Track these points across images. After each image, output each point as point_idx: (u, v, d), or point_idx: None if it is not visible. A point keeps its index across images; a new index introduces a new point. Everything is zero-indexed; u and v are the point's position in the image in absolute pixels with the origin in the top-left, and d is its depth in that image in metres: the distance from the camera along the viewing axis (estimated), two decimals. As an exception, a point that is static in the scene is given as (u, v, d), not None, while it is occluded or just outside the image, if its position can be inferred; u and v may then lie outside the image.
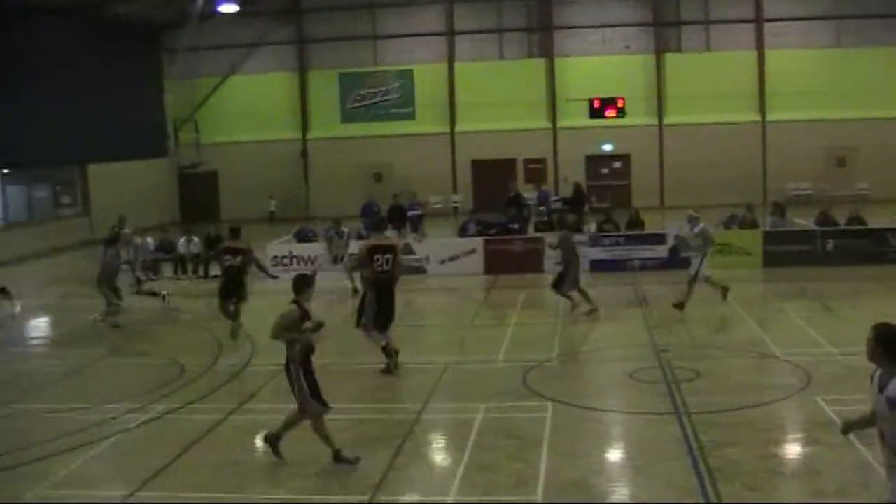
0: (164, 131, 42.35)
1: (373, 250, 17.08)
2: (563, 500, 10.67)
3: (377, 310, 16.97)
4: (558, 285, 21.55)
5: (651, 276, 26.13)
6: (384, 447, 12.55)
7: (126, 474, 12.12)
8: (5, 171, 40.72)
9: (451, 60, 47.98)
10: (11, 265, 35.10)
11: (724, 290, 21.62)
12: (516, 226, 30.09)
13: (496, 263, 27.61)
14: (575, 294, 21.30)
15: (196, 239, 29.88)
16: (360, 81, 48.99)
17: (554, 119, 47.20)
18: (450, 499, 10.80)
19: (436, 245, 28.94)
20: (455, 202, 47.15)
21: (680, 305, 20.90)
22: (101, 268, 22.35)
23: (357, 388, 15.91)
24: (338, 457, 11.95)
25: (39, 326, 23.13)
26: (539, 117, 47.27)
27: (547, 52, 47.37)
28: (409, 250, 28.29)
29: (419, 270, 27.84)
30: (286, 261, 28.97)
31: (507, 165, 46.41)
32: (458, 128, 47.95)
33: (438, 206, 46.13)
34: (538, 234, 28.84)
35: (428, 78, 48.27)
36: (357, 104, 49.18)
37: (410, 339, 20.12)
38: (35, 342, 22.32)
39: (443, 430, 13.62)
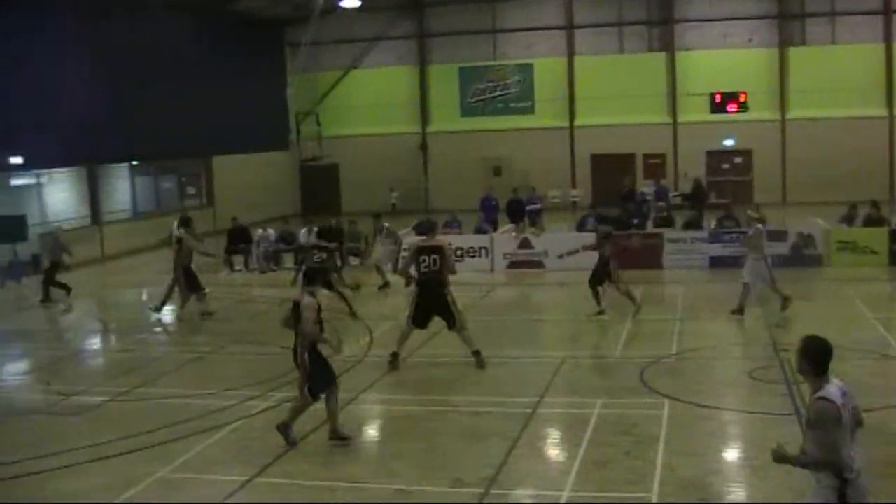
0: (287, 124, 43.04)
1: (420, 251, 17.19)
2: (679, 499, 10.57)
3: (415, 307, 17.07)
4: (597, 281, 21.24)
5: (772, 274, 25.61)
6: (499, 440, 12.58)
7: (245, 459, 12.40)
8: (133, 163, 41.86)
9: (570, 54, 47.73)
10: (140, 254, 36.17)
11: (786, 301, 20.41)
12: (636, 221, 29.83)
13: (615, 258, 27.32)
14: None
15: (317, 230, 30.27)
16: (479, 75, 49.07)
17: (674, 113, 46.59)
18: (564, 494, 10.77)
19: (554, 239, 28.83)
20: (574, 196, 46.93)
21: (740, 311, 20.21)
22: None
23: (474, 381, 15.97)
24: (285, 427, 12.73)
25: (165, 314, 23.71)
26: (659, 112, 46.71)
27: (668, 45, 46.78)
28: (527, 244, 28.29)
29: (537, 265, 27.79)
30: (404, 253, 29.12)
31: (626, 160, 46.00)
32: (577, 122, 47.68)
33: (557, 200, 45.98)
34: (657, 230, 28.54)
35: (547, 72, 48.10)
36: (476, 98, 49.27)
37: (527, 332, 20.18)
38: (160, 330, 22.92)
39: (558, 425, 13.60)
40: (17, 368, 19.23)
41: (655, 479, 10.99)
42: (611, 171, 44.86)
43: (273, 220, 37.55)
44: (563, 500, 10.64)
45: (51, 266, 26.34)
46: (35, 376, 18.13)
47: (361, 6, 45.83)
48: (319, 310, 12.70)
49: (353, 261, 29.99)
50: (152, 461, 12.42)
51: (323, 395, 12.82)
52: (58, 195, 36.72)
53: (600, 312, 20.75)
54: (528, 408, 14.08)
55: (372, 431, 13.98)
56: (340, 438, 12.72)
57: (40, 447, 13.22)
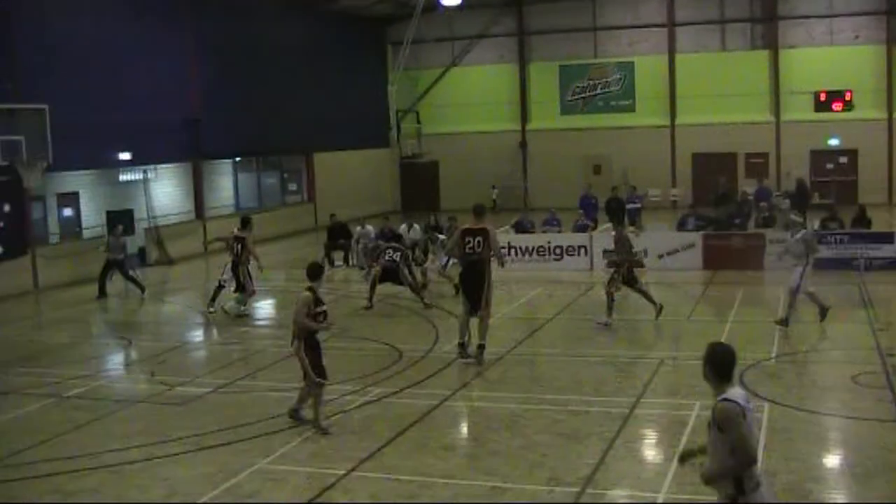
0: (388, 122, 43.46)
1: (465, 233, 17.43)
2: (779, 504, 10.44)
3: (461, 293, 17.77)
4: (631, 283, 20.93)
5: (877, 277, 25.09)
6: (596, 440, 12.56)
7: (343, 453, 12.57)
8: (237, 159, 42.58)
9: (671, 52, 47.22)
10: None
11: (824, 310, 19.52)
12: (737, 221, 29.44)
13: (715, 259, 27.06)
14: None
15: (417, 226, 30.47)
16: (580, 73, 48.84)
17: (777, 112, 45.76)
18: (660, 496, 10.72)
19: (654, 239, 28.59)
20: (674, 196, 46.42)
21: (783, 322, 19.26)
22: None
23: (572, 380, 15.95)
24: (295, 413, 13.81)
25: (266, 308, 24.09)
26: (762, 110, 45.94)
27: (771, 43, 45.95)
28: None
29: (637, 264, 27.54)
30: (503, 251, 29.13)
31: (727, 159, 45.40)
32: (678, 120, 47.16)
33: (657, 199, 45.52)
34: (758, 231, 28.14)
35: (648, 70, 47.66)
36: (576, 96, 49.06)
37: (626, 332, 20.06)
38: (262, 323, 23.29)
39: (656, 426, 13.51)
40: (122, 359, 19.73)
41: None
42: (712, 170, 44.33)
43: (373, 216, 37.85)
44: (659, 502, 10.59)
45: (107, 263, 27.11)
46: (140, 367, 18.59)
47: (463, 4, 46.01)
48: (315, 303, 13.35)
49: (453, 259, 30.02)
50: (252, 452, 12.68)
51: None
52: (163, 190, 37.51)
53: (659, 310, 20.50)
54: (626, 408, 14.02)
55: (469, 428, 14.05)
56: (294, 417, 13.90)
57: (148, 435, 13.61)
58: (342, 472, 11.82)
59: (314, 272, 13.73)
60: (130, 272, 27.28)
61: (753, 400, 14.00)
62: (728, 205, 31.38)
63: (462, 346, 17.35)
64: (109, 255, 27.07)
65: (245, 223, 23.46)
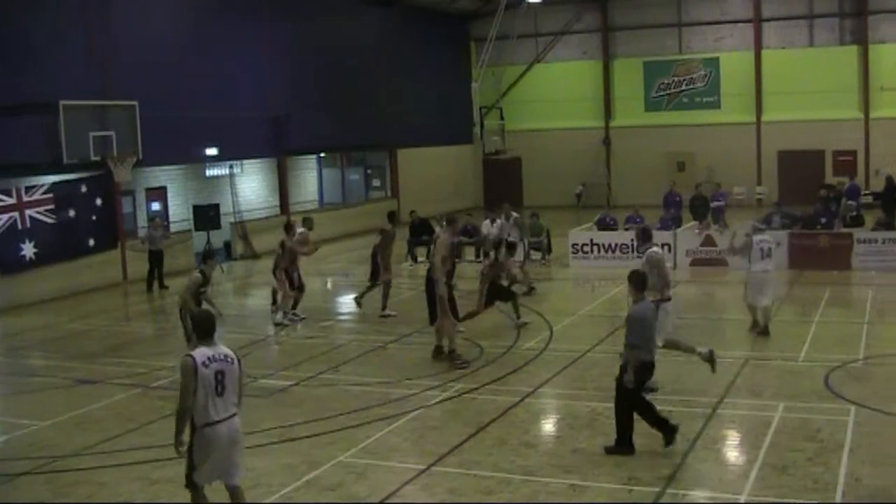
0: (471, 118, 43.49)
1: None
2: (864, 508, 10.29)
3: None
4: None
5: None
6: (677, 440, 12.46)
7: (423, 447, 12.68)
8: (321, 154, 42.97)
9: (757, 48, 46.54)
10: (326, 244, 37.07)
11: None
12: (823, 220, 28.95)
13: (801, 258, 26.63)
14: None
15: (500, 222, 30.43)
16: (664, 70, 48.39)
17: (866, 109, 44.83)
18: (742, 498, 10.61)
19: (739, 238, 28.19)
20: (759, 194, 45.80)
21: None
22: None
23: (655, 379, 15.81)
24: None
25: (349, 303, 24.26)
26: (850, 107, 45.05)
27: (860, 38, 45.00)
28: (710, 242, 27.84)
29: (720, 263, 27.31)
30: (586, 248, 29.10)
31: (814, 157, 44.65)
32: (764, 117, 46.48)
33: (741, 197, 44.96)
34: (846, 230, 27.64)
35: (734, 66, 47.02)
36: (661, 93, 48.64)
37: (709, 331, 19.86)
38: (345, 318, 23.47)
39: (738, 427, 13.37)
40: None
41: (839, 488, 10.70)
42: (798, 168, 43.68)
43: (456, 213, 37.93)
44: (741, 502, 10.50)
45: (153, 257, 27.68)
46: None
47: (546, 0, 45.88)
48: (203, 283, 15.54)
49: (535, 255, 30.04)
50: (334, 445, 12.84)
51: None
52: (249, 185, 38.03)
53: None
54: (709, 408, 13.91)
55: (550, 426, 14.04)
56: None
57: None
58: (422, 466, 11.91)
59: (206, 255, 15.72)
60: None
61: (838, 402, 13.85)
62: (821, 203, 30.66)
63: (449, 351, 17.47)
64: (151, 247, 27.69)
65: (287, 228, 23.55)
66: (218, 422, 9.33)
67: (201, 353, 9.38)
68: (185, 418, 9.36)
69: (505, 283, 21.71)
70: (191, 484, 9.61)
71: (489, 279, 20.66)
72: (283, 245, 22.74)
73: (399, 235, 25.27)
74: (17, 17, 25.99)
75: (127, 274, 29.39)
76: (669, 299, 15.10)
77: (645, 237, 15.47)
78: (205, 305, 16.11)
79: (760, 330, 18.86)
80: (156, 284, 27.85)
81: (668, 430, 12.13)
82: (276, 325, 22.16)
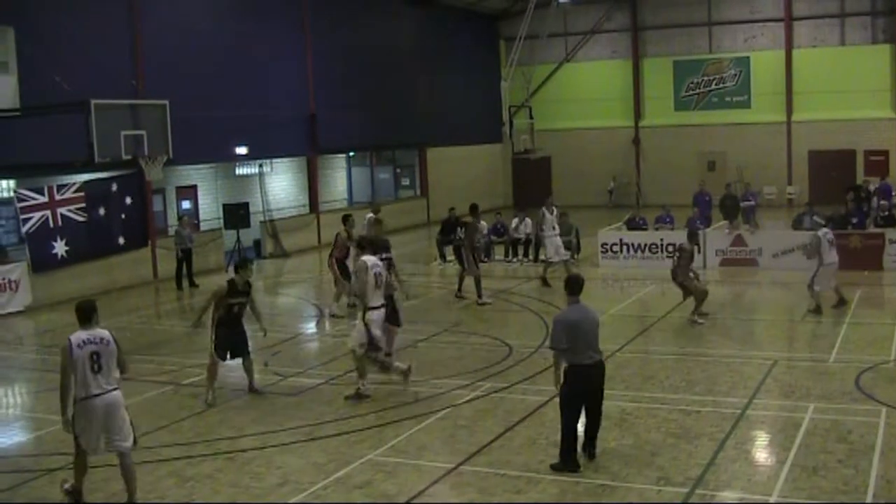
0: (501, 117, 43.46)
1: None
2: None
3: None
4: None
5: None
6: (707, 440, 12.46)
7: (452, 446, 12.71)
8: (351, 154, 43.06)
9: (788, 47, 46.27)
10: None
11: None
12: (854, 220, 28.75)
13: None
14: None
15: (529, 221, 30.47)
16: (694, 69, 48.20)
17: (899, 109, 44.60)
18: (772, 499, 10.58)
19: (769, 237, 28.15)
20: (790, 194, 45.56)
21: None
22: None
23: (685, 379, 15.81)
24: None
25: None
26: (882, 106, 44.68)
27: (892, 37, 44.64)
28: (741, 242, 27.73)
29: (751, 263, 27.21)
30: (615, 248, 29.04)
31: (845, 157, 44.33)
32: (794, 117, 46.18)
33: (772, 197, 44.80)
34: (878, 230, 27.44)
35: (765, 65, 46.77)
36: (691, 92, 48.45)
37: (739, 331, 19.84)
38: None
39: (769, 428, 13.33)
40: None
41: (869, 491, 10.65)
42: (829, 168, 43.42)
43: (485, 212, 37.93)
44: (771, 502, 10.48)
45: (183, 255, 27.88)
46: (255, 357, 18.91)
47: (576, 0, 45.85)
48: (227, 295, 15.10)
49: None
50: (364, 444, 12.90)
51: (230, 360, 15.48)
52: (279, 184, 38.18)
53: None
54: (739, 408, 13.87)
55: (579, 426, 14.00)
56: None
57: (262, 424, 13.95)
58: (451, 465, 11.94)
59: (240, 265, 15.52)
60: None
61: (869, 403, 13.76)
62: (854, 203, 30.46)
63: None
64: (180, 246, 27.92)
65: (344, 220, 23.83)
66: (95, 395, 10.57)
67: (77, 336, 10.67)
68: (64, 394, 10.69)
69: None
70: (77, 447, 10.92)
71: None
72: (337, 236, 23.27)
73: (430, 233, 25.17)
74: (50, 17, 26.22)
75: (157, 272, 29.61)
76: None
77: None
78: (243, 317, 15.76)
79: (836, 304, 20.84)
80: (185, 283, 28.04)
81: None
82: (332, 316, 22.52)
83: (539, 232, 27.11)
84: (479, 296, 23.54)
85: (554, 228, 26.38)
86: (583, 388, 11.69)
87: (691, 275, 20.85)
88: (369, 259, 15.67)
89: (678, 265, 20.85)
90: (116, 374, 10.80)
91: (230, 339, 15.57)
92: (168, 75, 29.05)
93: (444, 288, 26.02)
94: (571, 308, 11.82)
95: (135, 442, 11.12)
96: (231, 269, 17.92)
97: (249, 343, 15.88)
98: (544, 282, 25.71)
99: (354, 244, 19.28)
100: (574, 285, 11.88)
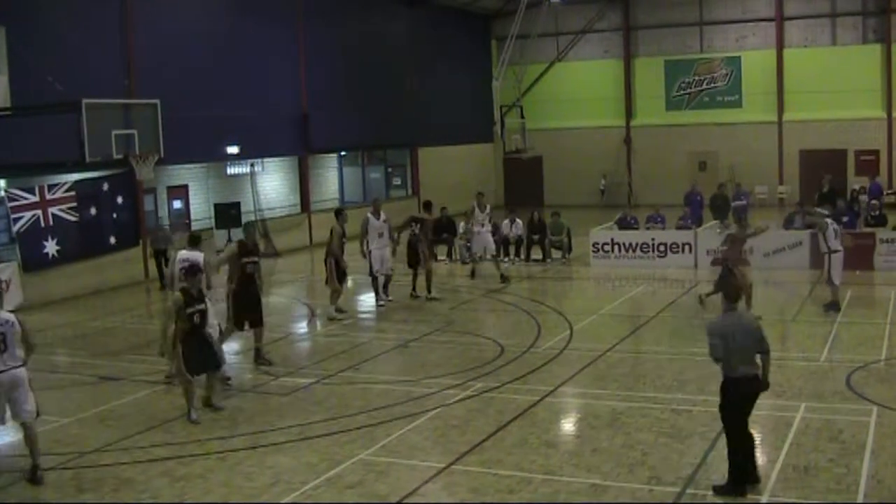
0: (492, 117, 43.47)
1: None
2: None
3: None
4: None
5: None
6: (698, 440, 12.48)
7: (443, 446, 12.71)
8: (342, 153, 43.02)
9: (780, 47, 46.34)
10: (347, 242, 37.13)
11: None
12: (845, 219, 28.80)
13: (823, 258, 26.48)
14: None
15: (519, 221, 30.50)
16: (686, 69, 48.27)
17: (889, 108, 44.54)
18: (763, 499, 10.59)
19: (760, 237, 28.09)
20: (781, 193, 45.66)
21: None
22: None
23: (676, 378, 15.83)
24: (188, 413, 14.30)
25: (369, 301, 24.32)
26: (873, 106, 44.80)
27: (884, 37, 44.76)
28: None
29: (742, 262, 27.13)
30: (607, 247, 29.05)
31: (836, 156, 44.44)
32: (786, 116, 46.28)
33: (763, 196, 44.89)
34: (869, 230, 27.51)
35: (756, 65, 46.85)
36: (682, 92, 48.52)
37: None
38: (365, 316, 23.51)
39: (760, 427, 13.26)
40: (228, 348, 20.07)
41: (860, 490, 10.68)
42: (821, 167, 43.43)
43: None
44: (762, 502, 10.49)
45: (155, 254, 27.91)
46: (246, 357, 18.94)
47: (568, -1, 45.93)
48: (186, 305, 14.26)
49: (556, 253, 30.05)
50: (355, 443, 12.90)
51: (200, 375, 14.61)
52: (270, 184, 38.13)
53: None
54: (729, 408, 13.87)
55: (571, 425, 14.05)
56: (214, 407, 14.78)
57: (253, 424, 13.93)
58: (442, 465, 11.94)
59: (189, 272, 14.78)
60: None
61: (860, 403, 13.79)
62: (833, 203, 30.57)
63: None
64: (155, 246, 27.82)
65: (337, 214, 23.47)
66: (1, 371, 11.66)
67: None
68: None
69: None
70: None
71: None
72: (332, 232, 22.47)
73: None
74: (42, 17, 26.17)
75: (149, 272, 29.54)
76: None
77: None
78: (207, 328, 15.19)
79: (829, 304, 20.91)
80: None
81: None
82: (329, 319, 22.12)
83: (469, 227, 27.40)
84: (429, 290, 23.84)
85: (483, 225, 26.69)
86: (739, 402, 10.84)
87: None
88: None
89: (730, 250, 20.91)
90: (21, 353, 11.90)
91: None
92: (160, 75, 29.00)
93: (435, 287, 25.99)
94: (726, 316, 11.05)
95: (38, 414, 12.10)
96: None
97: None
98: (473, 275, 26.86)
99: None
100: (731, 292, 11.27)
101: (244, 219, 33.37)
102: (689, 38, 48.20)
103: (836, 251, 20.89)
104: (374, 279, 23.50)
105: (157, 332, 18.58)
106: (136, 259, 29.23)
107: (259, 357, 17.78)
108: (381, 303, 23.46)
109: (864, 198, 31.56)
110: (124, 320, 23.67)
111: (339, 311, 22.37)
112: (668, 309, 22.02)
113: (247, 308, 17.30)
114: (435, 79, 45.71)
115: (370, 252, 23.33)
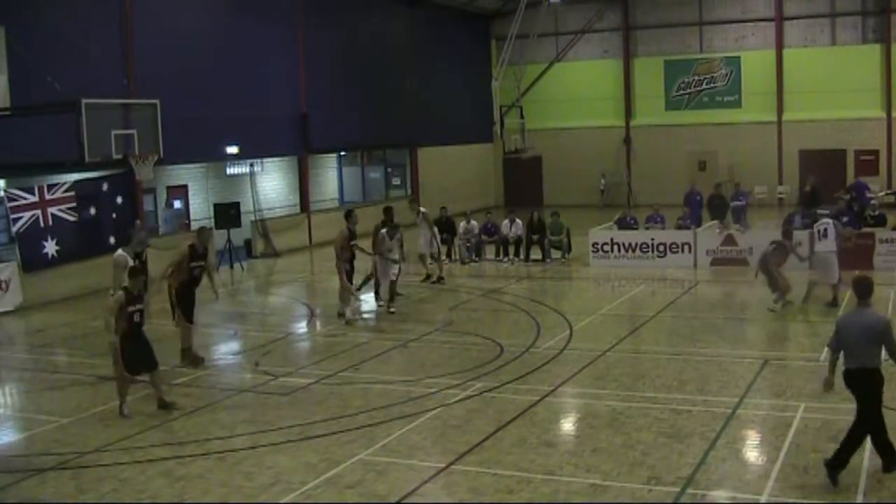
0: (492, 117, 43.54)
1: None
2: (885, 509, 10.25)
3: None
4: None
5: None
6: (698, 440, 12.47)
7: (443, 446, 12.71)
8: (342, 153, 43.03)
9: (779, 47, 46.36)
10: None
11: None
12: (845, 219, 28.77)
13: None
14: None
15: (519, 222, 30.49)
16: (685, 69, 48.28)
17: (889, 108, 44.58)
18: (763, 498, 10.59)
19: (759, 237, 28.11)
20: (780, 193, 45.66)
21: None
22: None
23: (676, 378, 15.82)
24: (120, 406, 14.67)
25: (369, 301, 24.31)
26: (873, 106, 44.83)
27: (883, 36, 44.78)
28: (731, 241, 27.77)
29: (741, 262, 27.22)
30: (606, 247, 29.03)
31: (836, 156, 44.47)
32: (785, 116, 46.29)
33: (763, 196, 44.89)
34: (868, 230, 27.48)
35: (755, 65, 46.88)
36: (682, 92, 48.53)
37: (730, 331, 19.85)
38: (365, 316, 23.51)
39: (759, 427, 13.34)
40: (228, 349, 20.13)
41: (860, 490, 10.67)
42: (821, 167, 43.46)
43: (476, 211, 37.97)
44: (762, 502, 10.49)
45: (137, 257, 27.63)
46: (245, 357, 18.95)
47: (567, -1, 45.94)
48: (127, 303, 14.53)
49: (555, 253, 30.05)
50: (354, 443, 12.89)
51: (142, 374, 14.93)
52: (270, 184, 38.14)
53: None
54: (730, 408, 13.89)
55: (570, 425, 14.04)
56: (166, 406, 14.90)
57: (253, 424, 13.94)
58: (442, 465, 11.93)
59: (134, 272, 15.17)
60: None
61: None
62: (817, 204, 30.54)
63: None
64: (136, 249, 27.52)
65: (347, 216, 23.30)
66: None
67: None
68: None
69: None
70: None
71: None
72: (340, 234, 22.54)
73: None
74: (42, 16, 26.16)
75: (147, 272, 29.44)
76: None
77: None
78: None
79: (830, 302, 21.02)
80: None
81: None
82: (347, 323, 21.73)
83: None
84: (378, 294, 23.28)
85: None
86: (853, 392, 11.28)
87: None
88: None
89: (771, 254, 21.47)
90: None
91: (192, 303, 17.93)
92: (159, 75, 29.00)
93: (433, 288, 26.00)
94: (854, 311, 11.57)
95: None
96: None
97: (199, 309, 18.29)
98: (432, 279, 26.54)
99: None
100: (860, 289, 11.51)
101: (244, 219, 33.45)
102: (689, 38, 48.22)
103: (817, 252, 21.30)
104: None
105: (154, 333, 18.63)
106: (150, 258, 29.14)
107: (194, 359, 18.25)
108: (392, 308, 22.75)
109: (868, 197, 31.46)
110: (124, 320, 23.63)
111: (351, 314, 21.94)
112: (667, 309, 22.02)
113: (195, 308, 18.19)
114: (434, 79, 45.71)
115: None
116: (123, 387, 14.76)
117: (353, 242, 22.31)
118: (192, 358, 18.10)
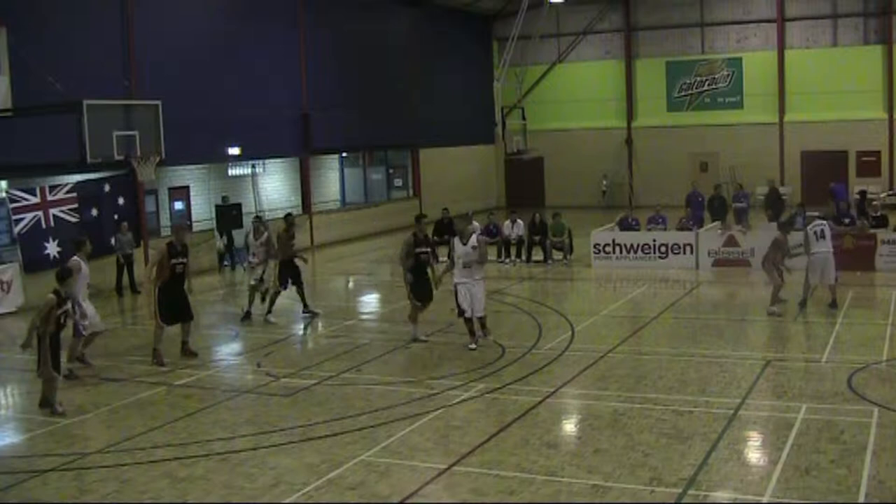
0: (493, 118, 43.57)
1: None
2: (887, 510, 10.25)
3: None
4: None
5: None
6: (699, 441, 12.47)
7: (445, 447, 12.70)
8: (344, 154, 43.02)
9: (781, 48, 46.35)
10: (347, 244, 37.22)
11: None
12: (846, 220, 28.80)
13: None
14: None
15: (520, 222, 30.49)
16: (687, 70, 48.28)
17: (891, 109, 44.57)
18: (764, 499, 10.58)
19: (761, 238, 28.12)
20: (782, 194, 45.56)
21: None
22: None
23: (678, 379, 15.82)
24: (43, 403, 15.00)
25: (371, 302, 24.34)
26: (874, 107, 44.81)
27: (885, 38, 44.76)
28: (733, 242, 27.76)
29: (743, 263, 27.22)
30: (608, 249, 29.03)
31: (838, 157, 44.47)
32: (787, 117, 46.30)
33: (764, 197, 44.83)
34: (871, 231, 27.47)
35: (757, 66, 46.88)
36: (683, 93, 48.53)
37: (732, 332, 19.83)
38: (367, 317, 23.54)
39: (761, 428, 13.35)
40: (230, 349, 20.14)
41: (862, 491, 10.67)
42: (822, 168, 43.51)
43: (478, 212, 37.98)
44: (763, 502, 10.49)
45: (124, 261, 27.59)
46: (247, 357, 18.96)
47: (569, 0, 45.85)
48: (56, 307, 14.78)
49: (557, 255, 30.05)
50: (356, 444, 12.89)
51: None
52: (271, 185, 38.14)
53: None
54: (731, 409, 13.88)
55: (572, 426, 14.04)
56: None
57: (255, 425, 13.94)
58: (444, 466, 11.93)
59: (62, 275, 15.26)
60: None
61: (861, 404, 13.79)
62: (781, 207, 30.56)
63: None
64: (122, 252, 27.47)
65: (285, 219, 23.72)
66: None
67: None
68: None
69: None
70: None
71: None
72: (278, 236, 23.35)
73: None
74: (43, 17, 26.18)
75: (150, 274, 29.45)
76: None
77: None
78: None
79: (830, 303, 21.12)
80: (127, 290, 27.62)
81: None
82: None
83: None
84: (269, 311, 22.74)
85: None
86: None
87: (781, 266, 21.55)
88: None
89: (766, 253, 21.73)
90: None
91: (174, 303, 18.14)
92: (161, 76, 29.03)
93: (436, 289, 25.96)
94: None
95: None
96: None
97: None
98: None
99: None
100: None
101: (245, 220, 33.44)
102: (691, 39, 48.22)
103: (814, 253, 21.18)
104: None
105: (169, 335, 18.71)
106: (137, 260, 29.13)
107: (186, 350, 18.70)
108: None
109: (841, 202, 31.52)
110: (124, 321, 23.67)
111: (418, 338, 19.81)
112: (669, 310, 22.02)
113: (174, 306, 18.32)
114: (436, 80, 45.72)
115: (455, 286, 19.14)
116: (53, 385, 15.02)
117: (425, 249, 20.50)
118: (186, 352, 18.66)
